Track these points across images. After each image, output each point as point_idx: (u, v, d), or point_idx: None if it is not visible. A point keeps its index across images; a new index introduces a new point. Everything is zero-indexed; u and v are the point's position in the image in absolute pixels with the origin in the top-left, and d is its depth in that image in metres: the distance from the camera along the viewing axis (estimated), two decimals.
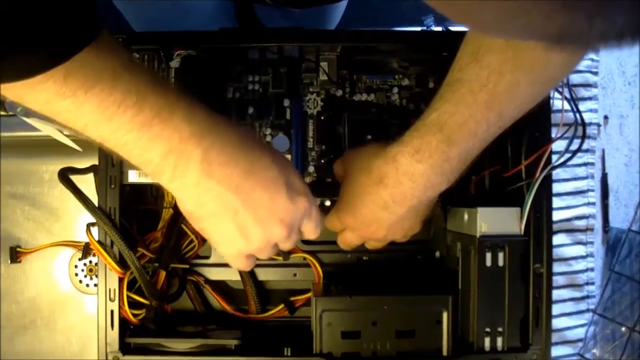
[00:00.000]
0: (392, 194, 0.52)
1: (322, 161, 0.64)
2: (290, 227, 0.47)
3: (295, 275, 0.65)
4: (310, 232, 0.50)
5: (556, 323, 0.73)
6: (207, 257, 0.65)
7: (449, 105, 0.49)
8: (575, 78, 0.74)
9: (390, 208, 0.53)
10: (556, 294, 0.72)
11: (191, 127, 0.41)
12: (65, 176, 0.58)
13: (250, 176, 0.44)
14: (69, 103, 0.38)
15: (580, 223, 0.75)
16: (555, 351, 0.73)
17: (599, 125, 0.76)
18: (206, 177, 0.43)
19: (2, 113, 0.66)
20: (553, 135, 0.57)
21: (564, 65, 0.48)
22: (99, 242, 0.58)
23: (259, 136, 0.51)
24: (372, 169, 0.52)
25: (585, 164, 0.75)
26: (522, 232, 0.56)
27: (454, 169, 0.51)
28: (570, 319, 0.75)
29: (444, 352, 0.57)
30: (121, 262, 0.57)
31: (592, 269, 0.75)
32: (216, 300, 0.65)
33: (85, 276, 0.72)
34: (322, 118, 0.64)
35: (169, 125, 0.40)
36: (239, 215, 0.45)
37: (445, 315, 0.57)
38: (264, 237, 0.47)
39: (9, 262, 0.71)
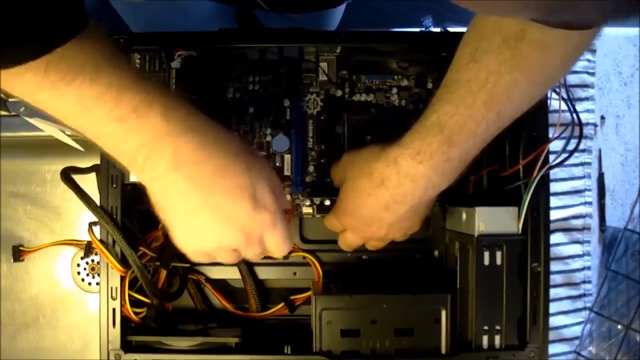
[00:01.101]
0: (394, 195, 0.52)
1: (322, 161, 0.64)
2: (248, 238, 0.48)
3: (295, 274, 0.66)
4: (274, 247, 0.50)
5: (553, 321, 0.73)
6: None
7: (448, 106, 0.49)
8: (572, 79, 0.75)
9: (391, 208, 0.53)
10: (553, 292, 0.73)
11: (167, 124, 0.42)
12: (67, 176, 0.59)
13: (217, 179, 0.45)
14: (50, 94, 0.38)
15: (577, 222, 0.75)
16: (552, 349, 0.74)
17: (595, 125, 0.76)
18: (174, 172, 0.43)
19: (5, 113, 0.67)
20: (550, 135, 0.58)
21: (561, 65, 0.49)
22: (100, 241, 0.58)
23: (248, 140, 0.51)
24: (373, 171, 0.52)
25: (582, 164, 0.76)
26: (520, 231, 0.56)
27: (454, 168, 0.51)
28: (567, 317, 0.75)
29: (443, 350, 0.57)
30: (123, 261, 0.58)
31: (588, 268, 0.76)
32: (217, 299, 0.66)
33: (87, 275, 0.72)
34: (322, 118, 0.65)
35: (146, 121, 0.41)
36: (199, 215, 0.45)
37: (443, 313, 0.57)
38: (218, 242, 0.47)
39: (12, 260, 0.71)
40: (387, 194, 0.52)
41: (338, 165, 0.59)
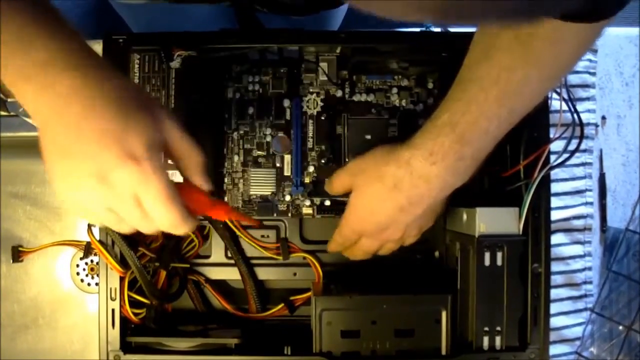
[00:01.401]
0: (409, 197, 0.52)
1: (322, 161, 0.64)
2: (114, 191, 0.43)
3: (295, 274, 0.65)
4: (153, 210, 0.44)
5: (554, 322, 0.73)
6: (208, 257, 0.65)
7: (460, 104, 0.49)
8: (573, 79, 0.74)
9: (406, 210, 0.53)
10: (554, 293, 0.72)
11: (48, 54, 0.40)
12: None
13: (85, 120, 0.41)
14: None
15: (578, 222, 0.75)
16: (553, 350, 0.74)
17: (596, 125, 0.76)
18: (47, 108, 0.41)
19: (4, 113, 0.67)
20: (551, 136, 0.58)
21: (571, 60, 0.49)
22: (100, 241, 0.58)
23: (138, 88, 0.47)
24: (384, 174, 0.52)
25: (583, 164, 0.75)
26: (521, 232, 0.56)
27: (468, 167, 0.51)
28: (568, 317, 0.75)
29: (443, 351, 0.57)
30: (122, 262, 0.58)
31: (589, 268, 0.76)
32: (216, 300, 0.65)
33: (87, 275, 0.72)
34: (322, 118, 0.64)
35: (28, 49, 0.39)
36: (68, 157, 0.42)
37: (444, 314, 0.57)
38: (86, 191, 0.43)
39: (11, 261, 0.71)
40: (402, 197, 0.52)
41: (343, 173, 0.58)
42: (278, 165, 0.64)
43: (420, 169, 0.51)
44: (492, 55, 0.47)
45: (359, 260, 0.61)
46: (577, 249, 0.75)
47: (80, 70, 0.41)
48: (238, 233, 0.64)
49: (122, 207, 0.44)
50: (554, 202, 0.65)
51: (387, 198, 0.53)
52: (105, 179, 0.42)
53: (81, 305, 0.72)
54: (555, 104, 0.58)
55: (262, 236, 0.65)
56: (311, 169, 0.64)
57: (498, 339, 0.56)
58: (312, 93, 0.65)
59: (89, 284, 0.72)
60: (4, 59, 0.39)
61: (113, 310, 0.58)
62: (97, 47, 0.59)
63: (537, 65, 0.47)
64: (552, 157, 0.58)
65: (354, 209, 0.56)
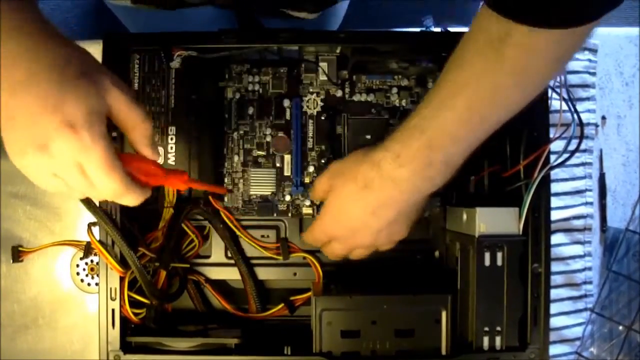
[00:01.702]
0: (379, 199, 0.52)
1: (322, 161, 0.64)
2: (54, 159, 0.42)
3: (295, 274, 0.65)
4: (95, 178, 0.43)
5: (554, 322, 0.73)
6: (208, 257, 0.65)
7: (430, 108, 0.49)
8: (573, 78, 0.74)
9: (378, 213, 0.53)
10: (554, 293, 0.72)
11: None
12: None
13: (26, 86, 0.40)
14: None
15: (578, 222, 0.75)
16: (553, 350, 0.74)
17: (596, 125, 0.76)
18: None
19: None
20: (551, 136, 0.58)
21: (548, 69, 0.48)
22: (100, 241, 0.58)
23: (85, 53, 0.44)
24: (358, 175, 0.52)
25: (583, 164, 0.75)
26: (521, 232, 0.56)
27: (439, 173, 0.51)
28: (568, 317, 0.75)
29: (443, 351, 0.57)
30: (122, 262, 0.58)
31: (589, 268, 0.75)
32: (216, 300, 0.65)
33: (87, 275, 0.72)
34: (322, 118, 0.64)
35: None
36: (12, 122, 0.41)
37: (444, 314, 0.57)
38: (30, 159, 0.42)
39: (11, 261, 0.71)
40: (372, 198, 0.52)
41: (323, 177, 0.58)
42: (278, 165, 0.64)
43: (389, 171, 0.50)
44: (465, 60, 0.47)
45: (360, 260, 0.61)
46: (577, 249, 0.75)
47: (20, 36, 0.40)
48: (238, 233, 0.64)
49: (66, 175, 0.43)
50: (554, 202, 0.65)
51: (359, 198, 0.52)
52: (46, 147, 0.41)
53: (81, 305, 0.72)
54: (555, 103, 0.58)
55: (262, 236, 0.65)
56: (311, 169, 0.64)
57: (498, 339, 0.56)
58: (312, 93, 0.65)
59: (89, 284, 0.72)
60: None
61: (113, 310, 0.58)
62: (97, 47, 0.59)
63: (510, 72, 0.46)
64: (552, 157, 0.58)
65: (327, 210, 0.56)
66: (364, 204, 0.53)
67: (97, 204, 0.58)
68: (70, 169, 0.43)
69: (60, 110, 0.40)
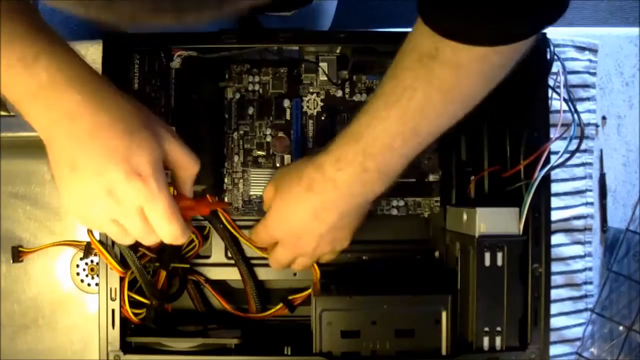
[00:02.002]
0: (322, 201, 0.52)
1: None
2: (120, 206, 0.45)
3: (295, 274, 0.65)
4: (158, 226, 0.47)
5: (554, 322, 0.73)
6: (208, 257, 0.65)
7: (366, 117, 0.50)
8: (573, 79, 0.74)
9: (320, 216, 0.53)
10: (554, 293, 0.72)
11: (49, 77, 0.42)
12: None
13: (93, 138, 0.43)
14: None
15: (579, 223, 0.75)
16: (554, 350, 0.74)
17: (597, 125, 0.76)
18: (54, 125, 0.43)
19: (4, 113, 0.67)
20: (552, 136, 0.58)
21: (478, 85, 0.48)
22: (100, 241, 0.58)
23: (139, 103, 0.48)
24: (303, 176, 0.53)
25: (583, 164, 0.75)
26: (521, 232, 0.56)
27: (374, 180, 0.51)
28: (568, 318, 0.75)
29: (443, 352, 0.57)
30: (122, 262, 0.58)
31: (590, 269, 0.75)
32: (216, 300, 0.65)
33: (87, 275, 0.72)
34: (322, 118, 0.64)
35: (31, 72, 0.41)
36: (76, 172, 0.44)
37: (444, 314, 0.57)
38: (92, 206, 0.45)
39: (11, 261, 0.71)
40: (316, 200, 0.52)
41: (269, 185, 0.58)
42: (278, 165, 0.64)
43: (329, 173, 0.51)
44: (398, 73, 0.48)
45: (360, 261, 0.61)
46: (577, 249, 0.75)
47: (81, 88, 0.43)
48: (235, 234, 0.64)
49: (128, 220, 0.46)
50: (554, 202, 0.65)
51: (303, 199, 0.53)
52: (113, 194, 0.44)
53: (81, 305, 0.72)
54: (556, 104, 0.58)
55: None
56: None
57: (498, 339, 0.56)
58: (312, 93, 0.65)
59: (89, 284, 0.72)
60: (9, 82, 0.41)
61: (113, 311, 0.58)
62: (98, 47, 0.59)
63: (439, 88, 0.46)
64: (553, 157, 0.58)
65: (272, 212, 0.56)
66: (307, 206, 0.53)
67: None
68: (133, 216, 0.46)
69: (129, 161, 0.44)
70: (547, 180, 0.58)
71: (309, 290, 0.62)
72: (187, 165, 0.50)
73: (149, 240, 0.49)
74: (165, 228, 0.47)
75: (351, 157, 0.50)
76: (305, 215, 0.54)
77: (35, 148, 0.69)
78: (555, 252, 0.72)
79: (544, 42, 0.57)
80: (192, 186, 0.52)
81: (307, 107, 0.65)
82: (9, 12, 0.40)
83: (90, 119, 0.43)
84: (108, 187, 0.44)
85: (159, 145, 0.46)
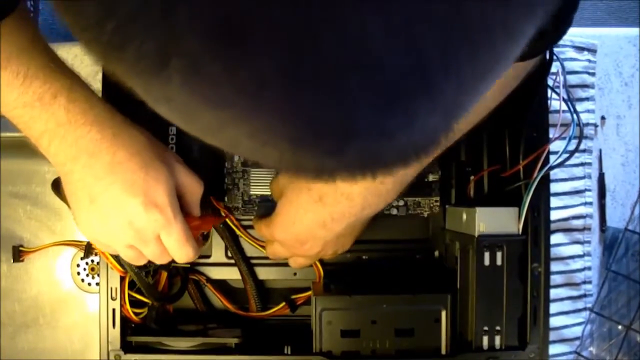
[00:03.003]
0: (331, 213, 0.52)
1: None
2: (139, 235, 0.48)
3: (295, 274, 0.65)
4: (173, 250, 0.50)
5: (554, 321, 0.73)
6: (208, 257, 0.65)
7: None
8: (572, 79, 0.75)
9: (328, 226, 0.53)
10: (554, 292, 0.73)
11: (68, 115, 0.44)
12: (58, 186, 0.57)
13: (112, 173, 0.46)
14: None
15: (578, 222, 0.75)
16: (553, 349, 0.74)
17: (596, 125, 0.76)
18: (72, 162, 0.46)
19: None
20: (551, 136, 0.58)
21: (493, 97, 0.49)
22: None
23: (149, 135, 0.51)
24: (312, 187, 0.52)
25: (582, 164, 0.75)
26: (520, 232, 0.56)
27: (389, 190, 0.52)
28: (567, 317, 0.75)
29: (443, 351, 0.57)
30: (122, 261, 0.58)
31: (589, 268, 0.76)
32: (217, 299, 0.65)
33: (87, 275, 0.72)
34: None
35: (49, 110, 0.44)
36: (94, 204, 0.47)
37: (444, 313, 0.57)
38: (111, 234, 0.49)
39: (12, 261, 0.71)
40: (325, 212, 0.52)
41: (277, 180, 0.58)
42: None
43: (343, 187, 0.51)
44: None
45: (360, 260, 0.61)
46: (576, 249, 0.76)
47: (99, 126, 0.46)
48: (238, 233, 0.64)
49: (145, 246, 0.50)
50: (554, 202, 0.65)
51: (311, 210, 0.53)
52: (132, 224, 0.48)
53: (82, 305, 0.72)
54: (555, 104, 0.58)
55: None
56: None
57: (497, 339, 0.56)
58: None
59: (89, 284, 0.72)
60: (28, 120, 0.44)
61: (114, 310, 0.58)
62: None
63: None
64: (552, 157, 0.58)
65: (277, 214, 0.56)
66: (316, 217, 0.53)
67: None
68: (150, 241, 0.49)
69: (146, 193, 0.47)
70: (546, 180, 0.58)
71: (310, 292, 0.62)
72: (195, 190, 0.53)
73: (162, 261, 0.52)
74: (180, 251, 0.50)
75: None
76: (313, 224, 0.53)
77: (36, 148, 0.70)
78: (554, 251, 0.73)
79: None
80: (198, 207, 0.55)
81: None
82: (26, 52, 0.42)
83: (108, 156, 0.46)
84: (128, 218, 0.47)
85: (172, 174, 0.49)
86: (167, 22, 0.19)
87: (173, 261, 0.61)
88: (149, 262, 0.60)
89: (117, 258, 0.57)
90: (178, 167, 0.51)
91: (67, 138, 0.45)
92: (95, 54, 0.22)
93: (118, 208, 0.47)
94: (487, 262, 0.55)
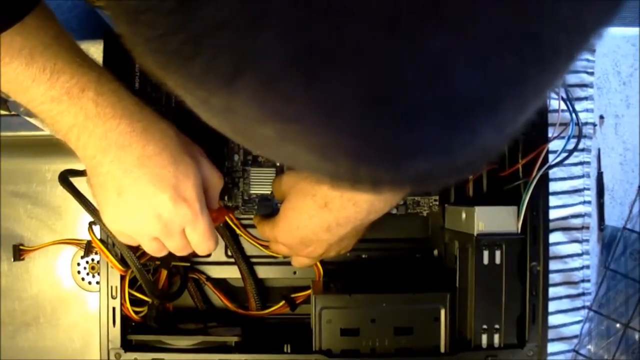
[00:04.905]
0: (337, 218, 0.52)
1: None
2: (166, 228, 0.49)
3: (295, 273, 0.66)
4: (196, 243, 0.51)
5: (552, 320, 0.74)
6: (208, 255, 0.65)
7: None
8: (571, 78, 0.75)
9: (333, 230, 0.53)
10: (552, 291, 0.73)
11: (97, 107, 0.45)
12: (65, 179, 0.58)
13: (141, 166, 0.47)
14: None
15: (576, 221, 0.75)
16: (551, 347, 0.74)
17: (594, 124, 0.76)
18: (101, 154, 0.46)
19: (5, 113, 0.67)
20: (550, 135, 0.58)
21: None
22: (100, 240, 0.58)
23: (176, 129, 0.51)
24: (317, 193, 0.52)
25: (581, 163, 0.76)
26: (519, 231, 0.56)
27: (395, 195, 0.52)
28: (566, 315, 0.75)
29: (442, 349, 0.57)
30: (123, 260, 0.58)
31: (587, 267, 0.76)
32: (217, 298, 0.66)
33: (88, 274, 0.72)
34: None
35: (77, 103, 0.44)
36: (122, 196, 0.48)
37: (443, 312, 0.57)
38: (138, 227, 0.49)
39: (12, 260, 0.71)
40: (330, 217, 0.52)
41: (280, 182, 0.58)
42: (278, 164, 0.64)
43: (349, 193, 0.51)
44: None
45: (359, 259, 0.61)
46: (575, 248, 0.76)
47: (129, 119, 0.46)
48: (238, 232, 0.64)
49: (169, 239, 0.50)
50: (552, 200, 0.65)
51: (316, 215, 0.53)
52: (160, 217, 0.48)
53: (82, 303, 0.72)
54: (554, 103, 0.58)
55: None
56: None
57: (496, 337, 0.57)
58: None
59: (89, 283, 0.72)
60: (55, 114, 0.44)
61: (114, 309, 0.58)
62: (98, 46, 0.59)
63: None
64: (551, 156, 0.58)
65: (281, 218, 0.56)
66: (321, 221, 0.53)
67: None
68: (175, 235, 0.50)
69: (176, 188, 0.48)
70: (545, 179, 0.58)
71: (310, 290, 0.63)
72: (217, 184, 0.53)
73: (182, 253, 0.53)
74: (203, 244, 0.52)
75: None
76: (317, 229, 0.53)
77: (36, 147, 0.70)
78: (553, 250, 0.73)
79: None
80: (217, 200, 0.55)
81: None
82: (52, 47, 0.43)
83: (138, 149, 0.46)
84: (156, 211, 0.48)
85: (198, 168, 0.50)
86: (251, 39, 0.19)
87: (173, 260, 0.62)
88: (149, 260, 0.60)
89: (118, 256, 0.58)
90: (203, 161, 0.52)
91: (96, 131, 0.45)
92: (153, 64, 0.22)
93: (146, 201, 0.47)
94: (486, 260, 0.56)
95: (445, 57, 0.19)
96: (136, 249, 0.58)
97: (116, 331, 0.58)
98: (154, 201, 0.47)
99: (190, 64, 0.21)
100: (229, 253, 0.65)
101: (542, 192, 0.58)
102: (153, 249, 0.52)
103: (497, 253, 0.56)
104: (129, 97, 0.47)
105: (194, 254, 0.64)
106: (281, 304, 0.65)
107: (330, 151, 0.23)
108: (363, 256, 0.67)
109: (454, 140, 0.23)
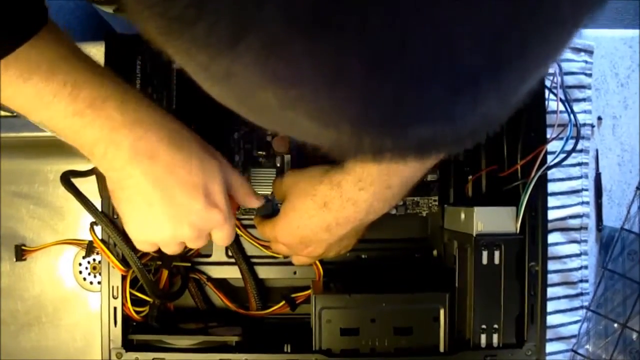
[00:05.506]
0: (336, 218, 0.53)
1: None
2: (198, 232, 0.50)
3: (295, 273, 0.66)
4: (219, 241, 0.53)
5: (550, 320, 0.74)
6: (209, 256, 0.66)
7: None
8: (569, 80, 0.75)
9: (332, 230, 0.54)
10: (551, 291, 0.73)
11: (123, 117, 0.44)
12: (67, 180, 0.59)
13: (171, 175, 0.47)
14: (10, 92, 0.41)
15: (575, 222, 0.76)
16: (550, 347, 0.74)
17: (592, 126, 0.77)
18: (130, 166, 0.45)
19: (6, 114, 0.67)
20: (548, 136, 0.58)
21: None
22: (102, 240, 0.58)
23: (198, 136, 0.52)
24: (317, 193, 0.53)
25: (579, 164, 0.76)
26: (518, 231, 0.57)
27: (395, 195, 0.52)
28: (564, 315, 0.76)
29: (441, 349, 0.58)
30: (124, 260, 0.58)
31: (586, 267, 0.76)
32: (218, 298, 0.66)
33: (89, 274, 0.73)
34: None
35: (101, 115, 0.43)
36: (153, 208, 0.48)
37: (442, 312, 0.58)
38: (171, 235, 0.49)
39: (14, 260, 0.72)
40: (330, 217, 0.53)
41: (281, 182, 0.59)
42: (278, 165, 0.65)
43: (349, 193, 0.51)
44: None
45: (359, 259, 0.62)
46: (573, 248, 0.76)
47: (157, 128, 0.46)
48: (239, 232, 0.65)
49: (197, 240, 0.51)
50: (551, 201, 0.66)
51: (316, 215, 0.53)
52: (193, 225, 0.49)
53: (84, 303, 0.73)
54: (552, 104, 0.58)
55: None
56: None
57: (495, 337, 0.57)
58: None
59: (91, 283, 0.73)
60: (79, 128, 0.43)
61: (115, 309, 0.58)
62: (100, 48, 0.60)
63: None
64: (549, 157, 0.58)
65: (281, 218, 0.57)
66: (321, 221, 0.53)
67: (99, 206, 0.58)
68: (202, 237, 0.51)
69: (207, 195, 0.48)
70: (543, 180, 0.58)
71: (310, 290, 0.63)
72: (242, 185, 0.54)
73: (198, 247, 0.54)
74: (227, 240, 0.53)
75: (375, 176, 0.50)
76: (317, 229, 0.54)
77: (39, 148, 0.71)
78: (551, 250, 0.73)
79: None
80: (254, 196, 0.56)
81: None
82: (69, 61, 0.42)
83: (167, 158, 0.46)
84: (189, 219, 0.48)
85: (224, 174, 0.50)
86: (254, 2, 0.19)
87: (174, 260, 0.62)
88: (150, 260, 0.60)
89: (119, 256, 0.58)
90: (226, 165, 0.52)
91: (123, 143, 0.44)
92: (155, 30, 0.22)
93: (179, 210, 0.48)
94: (485, 261, 0.56)
95: (450, 26, 0.20)
96: (137, 249, 0.59)
97: (117, 331, 0.58)
98: (187, 209, 0.48)
99: (193, 27, 0.21)
100: (230, 253, 0.65)
101: (540, 193, 0.58)
102: (176, 251, 0.52)
103: (496, 253, 0.56)
104: (152, 106, 0.47)
105: (194, 254, 0.65)
106: (281, 304, 0.65)
107: (333, 117, 0.23)
108: (363, 256, 0.67)
109: (456, 106, 0.23)
